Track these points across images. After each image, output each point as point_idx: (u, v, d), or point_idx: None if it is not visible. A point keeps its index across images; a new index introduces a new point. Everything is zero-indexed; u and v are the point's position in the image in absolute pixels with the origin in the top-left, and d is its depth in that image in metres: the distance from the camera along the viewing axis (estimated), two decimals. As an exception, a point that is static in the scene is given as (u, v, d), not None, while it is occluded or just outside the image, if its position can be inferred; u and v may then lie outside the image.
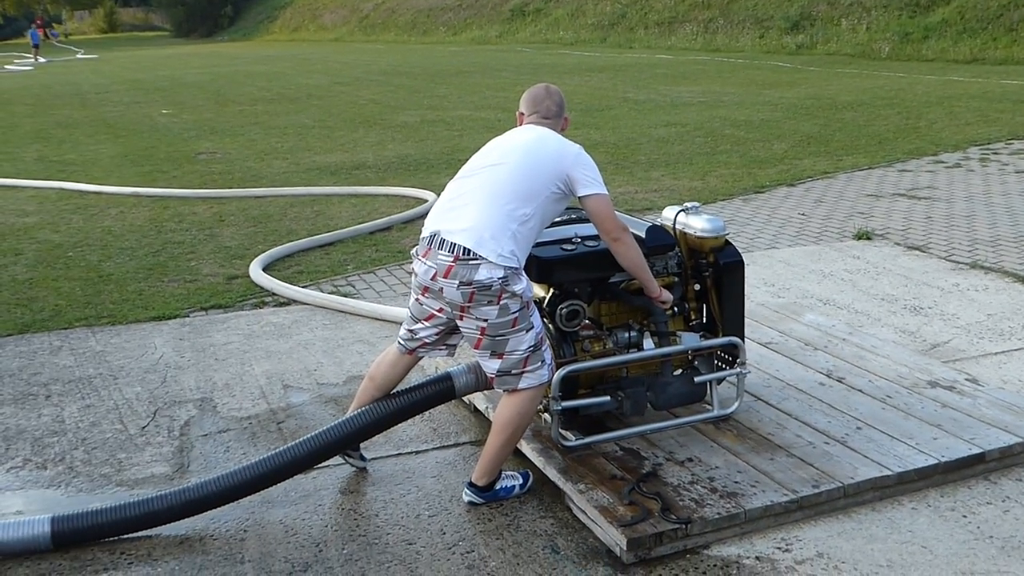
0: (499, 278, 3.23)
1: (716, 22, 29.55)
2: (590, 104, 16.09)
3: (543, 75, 21.63)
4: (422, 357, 3.67)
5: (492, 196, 3.32)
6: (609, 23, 33.69)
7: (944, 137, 11.71)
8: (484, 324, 3.29)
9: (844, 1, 26.43)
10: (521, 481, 3.58)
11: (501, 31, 38.07)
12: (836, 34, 25.56)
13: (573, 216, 3.89)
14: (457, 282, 3.25)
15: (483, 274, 3.22)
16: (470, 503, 3.51)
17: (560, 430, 3.64)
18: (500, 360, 3.34)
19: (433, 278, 3.32)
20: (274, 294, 6.09)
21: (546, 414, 3.69)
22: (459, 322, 3.37)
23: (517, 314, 3.30)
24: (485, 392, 3.92)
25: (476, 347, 3.38)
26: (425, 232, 3.41)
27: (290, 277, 6.52)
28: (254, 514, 3.49)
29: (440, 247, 3.30)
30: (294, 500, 3.59)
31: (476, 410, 4.26)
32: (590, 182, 3.39)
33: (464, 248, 3.24)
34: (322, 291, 6.20)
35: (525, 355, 3.33)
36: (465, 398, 4.18)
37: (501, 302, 3.26)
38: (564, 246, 3.66)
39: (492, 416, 3.65)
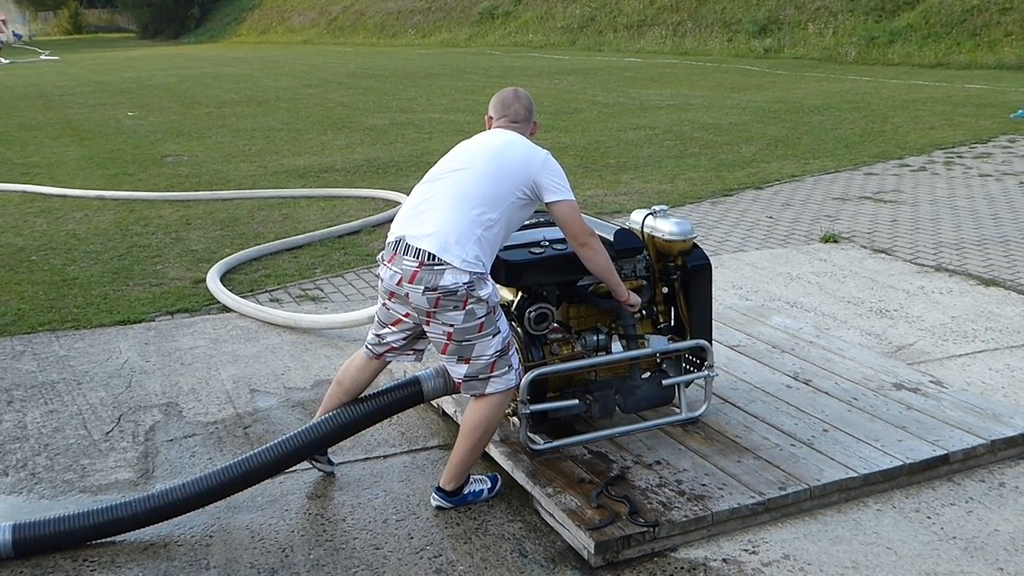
0: (464, 283, 3.22)
1: (685, 25, 29.71)
2: (559, 107, 16.12)
3: (512, 78, 21.65)
4: (390, 362, 3.65)
5: (457, 201, 3.31)
6: (578, 26, 33.77)
7: (909, 141, 11.84)
8: (450, 329, 3.28)
9: (811, 5, 26.67)
10: (489, 485, 3.57)
11: (470, 34, 38.05)
12: (803, 38, 25.79)
13: (541, 220, 3.89)
14: (422, 287, 3.24)
15: (448, 279, 3.21)
16: (438, 508, 3.50)
17: (528, 433, 3.64)
18: (467, 365, 3.33)
19: (399, 283, 3.30)
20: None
21: (514, 417, 3.69)
22: (426, 327, 3.36)
23: (483, 319, 3.29)
24: (453, 396, 3.90)
25: (443, 352, 3.37)
26: (391, 237, 3.39)
27: (257, 280, 6.48)
28: (220, 520, 3.46)
29: (405, 252, 3.29)
30: (260, 505, 3.56)
31: (445, 414, 4.24)
32: (557, 188, 3.39)
33: (429, 253, 3.23)
34: (289, 294, 6.17)
35: (492, 360, 3.33)
36: (434, 402, 4.17)
37: (467, 307, 3.25)
38: (532, 250, 3.66)
39: (460, 420, 3.64)
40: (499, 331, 3.35)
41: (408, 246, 3.29)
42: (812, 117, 14.14)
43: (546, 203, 3.41)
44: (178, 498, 3.33)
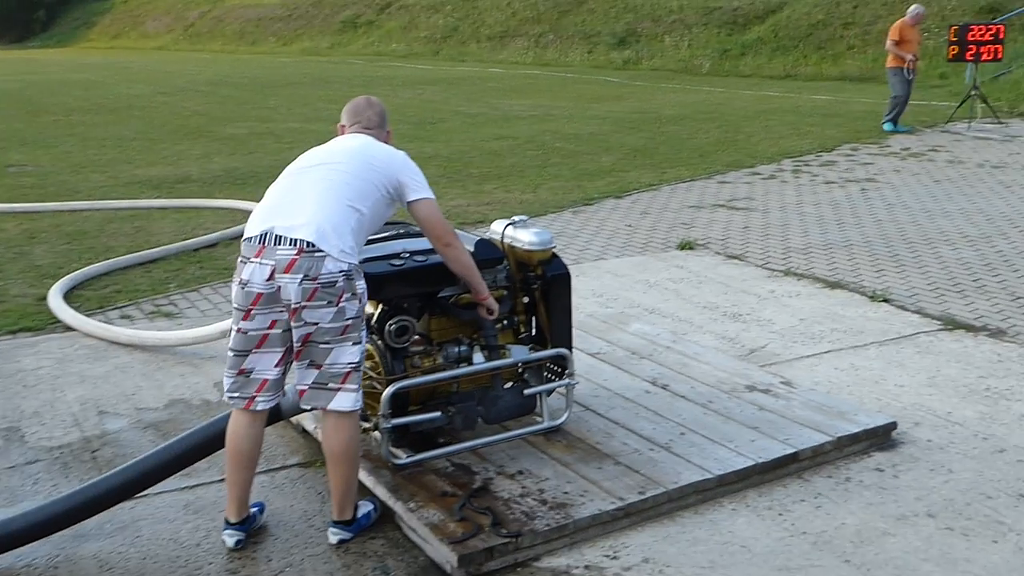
0: (342, 272, 3.14)
1: (546, 37, 30.10)
2: (423, 117, 16.08)
3: (375, 87, 21.48)
4: (268, 408, 3.32)
5: (328, 193, 3.25)
6: (441, 36, 33.80)
7: (760, 150, 12.29)
8: (311, 329, 3.15)
9: (667, 18, 27.40)
10: (374, 505, 3.48)
11: (332, 42, 37.60)
12: (660, 50, 26.46)
13: (400, 232, 3.87)
14: (300, 276, 3.10)
15: (329, 267, 3.11)
16: (340, 541, 3.33)
17: (390, 448, 3.59)
18: (317, 371, 3.20)
19: (270, 277, 3.12)
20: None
21: (376, 432, 3.64)
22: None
23: (351, 322, 3.19)
24: (313, 412, 3.81)
25: (296, 357, 3.23)
26: (253, 232, 3.22)
27: (107, 296, 6.22)
28: (65, 549, 3.29)
29: (278, 243, 3.14)
30: (109, 532, 3.40)
31: (304, 431, 4.16)
32: (419, 186, 3.40)
33: (307, 241, 3.13)
34: (141, 310, 5.95)
35: (346, 370, 3.21)
36: (292, 419, 4.07)
37: (340, 304, 3.15)
38: (392, 261, 3.63)
39: (320, 437, 3.56)
40: (360, 341, 3.26)
41: (280, 237, 3.15)
42: (669, 127, 14.51)
43: (408, 202, 3.39)
44: (17, 528, 3.16)
